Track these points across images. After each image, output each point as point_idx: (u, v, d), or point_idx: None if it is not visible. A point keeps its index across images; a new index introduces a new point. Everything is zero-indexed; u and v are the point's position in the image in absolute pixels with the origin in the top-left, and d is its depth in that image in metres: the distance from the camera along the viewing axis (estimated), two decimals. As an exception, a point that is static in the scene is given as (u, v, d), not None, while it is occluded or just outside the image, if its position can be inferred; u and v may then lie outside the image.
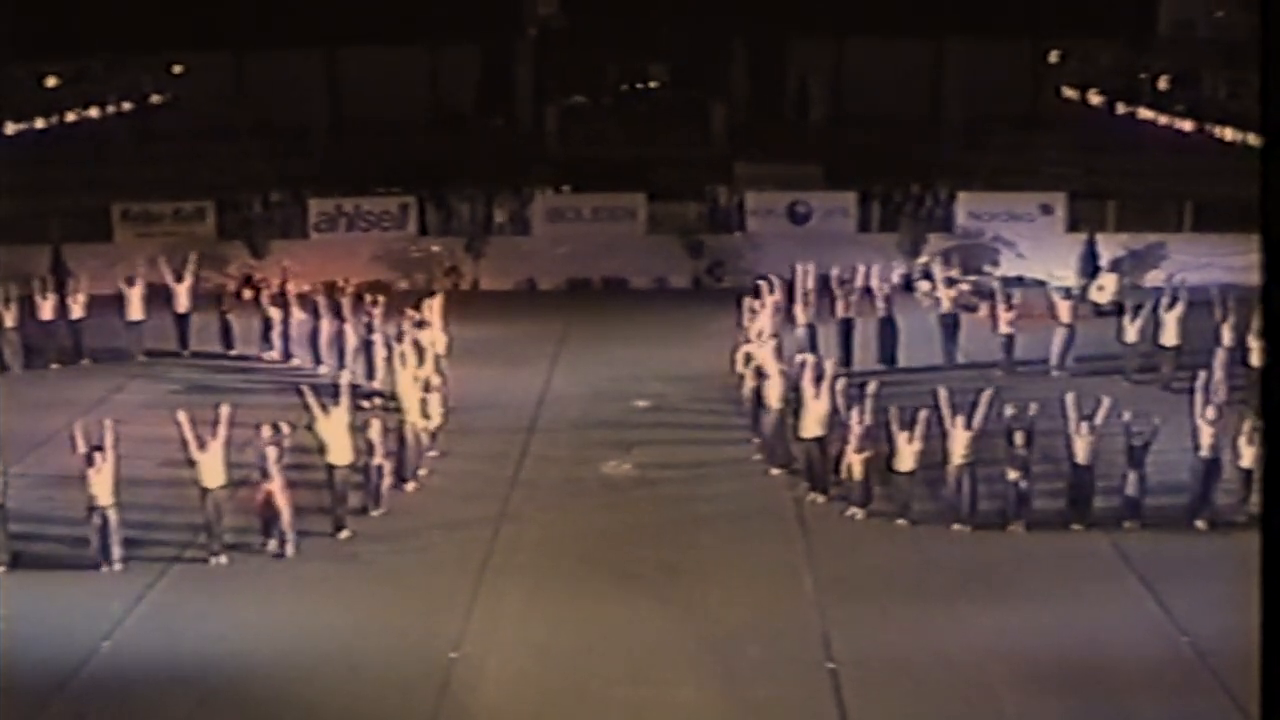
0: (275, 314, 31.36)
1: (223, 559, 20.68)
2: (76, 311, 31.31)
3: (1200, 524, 21.54)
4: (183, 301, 31.88)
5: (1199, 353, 27.47)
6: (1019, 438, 21.58)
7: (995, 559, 20.74)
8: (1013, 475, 21.57)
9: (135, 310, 31.45)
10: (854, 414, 22.51)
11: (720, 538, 21.72)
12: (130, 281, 31.59)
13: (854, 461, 22.25)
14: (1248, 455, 21.21)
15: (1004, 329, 29.68)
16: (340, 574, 20.47)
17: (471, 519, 22.33)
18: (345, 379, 23.33)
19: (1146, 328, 28.92)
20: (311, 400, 22.32)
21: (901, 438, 21.80)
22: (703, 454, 25.24)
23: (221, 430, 21.14)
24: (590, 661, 17.88)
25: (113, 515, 20.45)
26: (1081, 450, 21.63)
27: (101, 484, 20.47)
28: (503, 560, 20.89)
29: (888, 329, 30.48)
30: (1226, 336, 27.64)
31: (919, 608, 19.10)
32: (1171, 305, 28.68)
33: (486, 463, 24.80)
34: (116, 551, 20.43)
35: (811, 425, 23.20)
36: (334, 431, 22.11)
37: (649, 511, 22.88)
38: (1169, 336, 28.63)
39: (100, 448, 20.67)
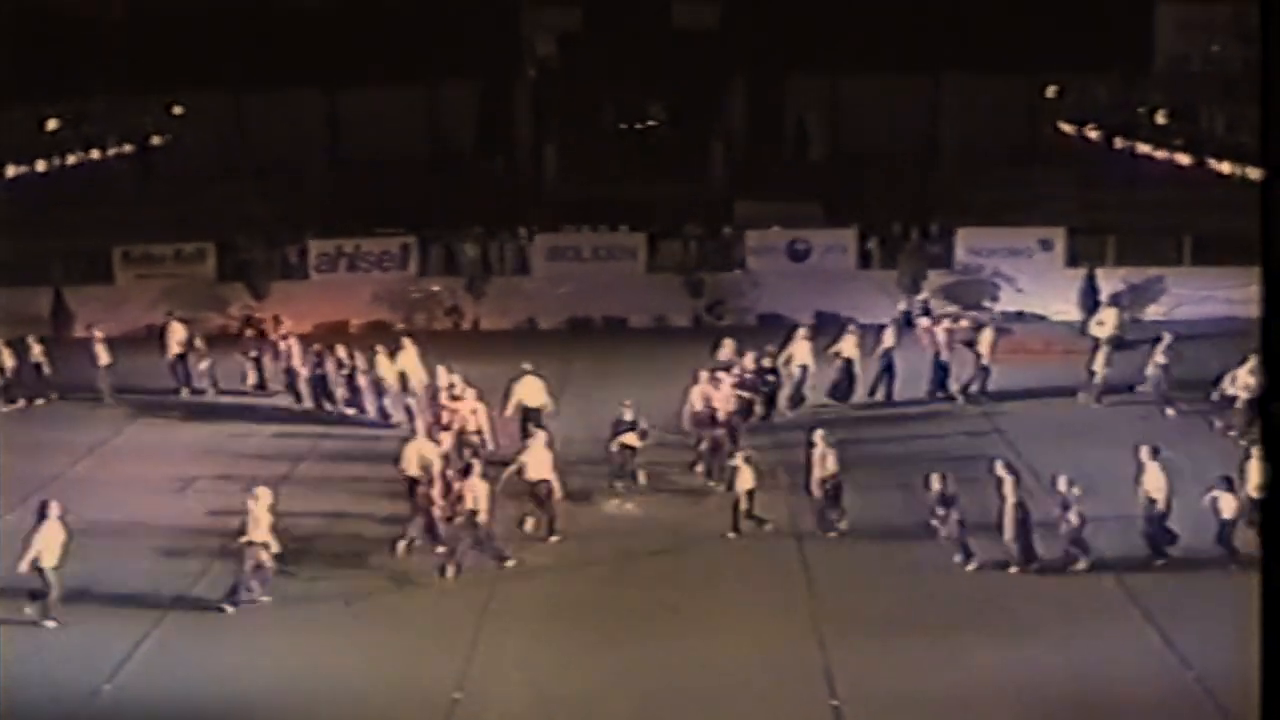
0: (269, 357, 31.58)
1: (229, 609, 20.51)
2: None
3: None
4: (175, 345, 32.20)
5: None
6: (935, 482, 21.83)
7: (998, 595, 20.66)
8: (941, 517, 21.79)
9: (103, 357, 31.45)
10: None
11: (721, 576, 21.67)
12: (94, 329, 31.92)
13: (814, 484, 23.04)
14: (1227, 506, 21.21)
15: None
16: (342, 615, 20.39)
17: (474, 559, 22.26)
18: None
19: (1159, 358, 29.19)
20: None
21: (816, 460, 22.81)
22: (704, 492, 25.17)
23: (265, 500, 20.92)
24: (593, 701, 17.82)
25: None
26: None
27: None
28: (505, 600, 20.82)
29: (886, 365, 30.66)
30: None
31: (922, 644, 19.04)
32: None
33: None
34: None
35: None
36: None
37: (650, 550, 22.82)
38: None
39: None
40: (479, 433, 25.75)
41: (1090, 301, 36.40)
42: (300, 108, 54.49)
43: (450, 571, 21.52)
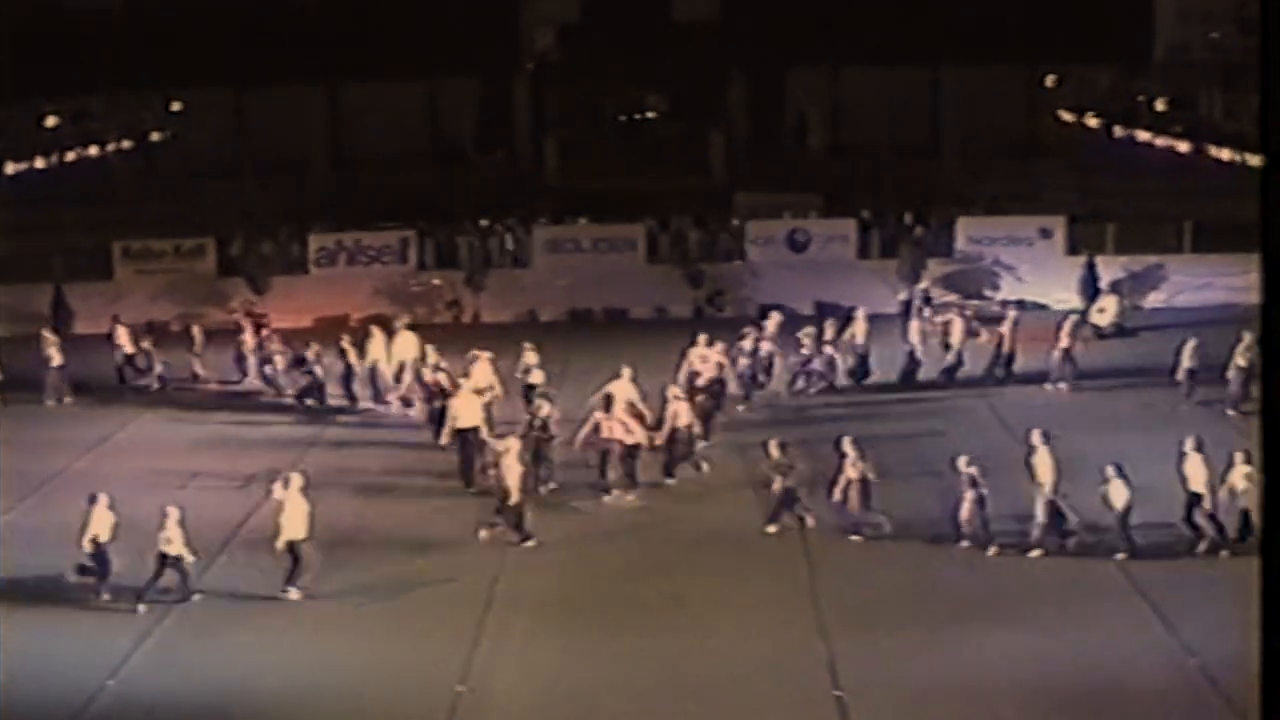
0: (249, 344, 31.75)
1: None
2: None
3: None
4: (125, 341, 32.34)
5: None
6: (773, 449, 22.66)
7: (1000, 584, 20.65)
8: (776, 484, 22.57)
9: (55, 357, 31.18)
10: None
11: (725, 567, 21.66)
12: (54, 331, 32.14)
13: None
14: (1118, 497, 21.08)
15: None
16: (346, 609, 20.39)
17: (477, 551, 22.29)
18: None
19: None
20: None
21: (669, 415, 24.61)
22: (706, 483, 25.19)
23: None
24: (597, 693, 17.81)
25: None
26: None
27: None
28: (508, 592, 20.82)
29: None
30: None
31: (925, 634, 19.03)
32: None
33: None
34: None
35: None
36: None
37: (653, 542, 22.83)
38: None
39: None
40: (491, 387, 26.68)
41: (1091, 289, 36.38)
42: (300, 102, 54.46)
43: (629, 498, 24.09)
